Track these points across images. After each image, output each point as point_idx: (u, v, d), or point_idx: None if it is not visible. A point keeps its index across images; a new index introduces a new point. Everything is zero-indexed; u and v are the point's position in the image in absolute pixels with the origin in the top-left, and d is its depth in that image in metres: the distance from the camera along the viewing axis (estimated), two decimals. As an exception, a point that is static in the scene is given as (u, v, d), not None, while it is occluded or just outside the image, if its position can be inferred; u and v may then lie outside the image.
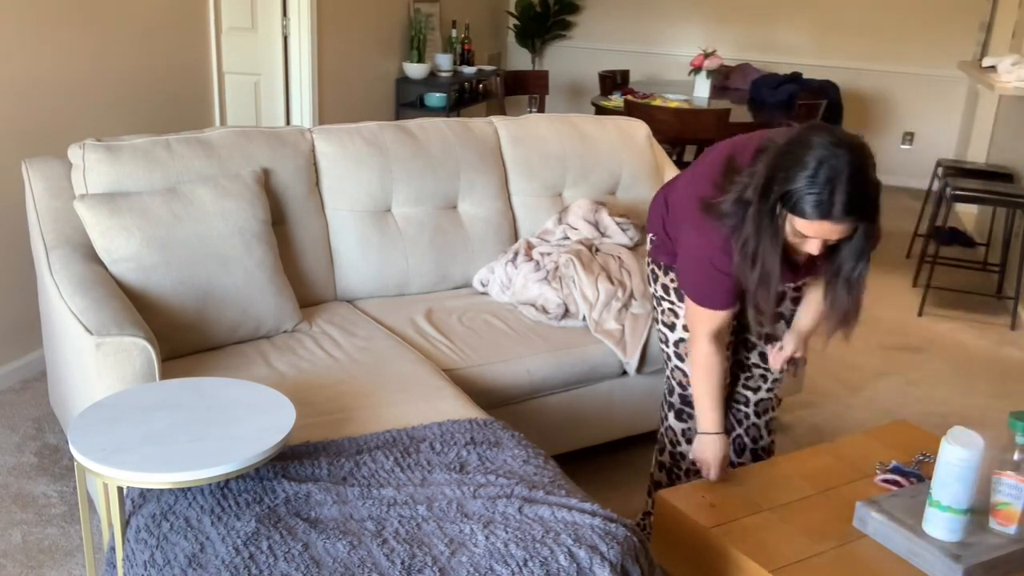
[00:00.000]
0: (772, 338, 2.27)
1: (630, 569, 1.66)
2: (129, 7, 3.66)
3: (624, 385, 2.82)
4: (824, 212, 1.71)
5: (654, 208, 2.31)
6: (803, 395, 3.49)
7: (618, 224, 3.14)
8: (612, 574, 1.61)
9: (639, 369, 2.76)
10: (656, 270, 2.32)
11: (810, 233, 1.76)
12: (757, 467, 2.24)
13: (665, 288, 2.29)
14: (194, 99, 4.14)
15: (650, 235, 2.34)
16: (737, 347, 2.34)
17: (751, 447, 2.43)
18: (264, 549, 1.60)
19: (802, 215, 1.73)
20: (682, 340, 2.29)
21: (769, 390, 2.38)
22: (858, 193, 1.70)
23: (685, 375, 2.31)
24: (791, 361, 2.26)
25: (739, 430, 2.42)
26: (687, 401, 2.34)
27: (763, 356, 2.33)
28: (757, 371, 2.35)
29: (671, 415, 2.40)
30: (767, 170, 1.77)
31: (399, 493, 1.79)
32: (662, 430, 2.45)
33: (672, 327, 2.30)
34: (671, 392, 2.39)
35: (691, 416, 2.35)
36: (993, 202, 4.36)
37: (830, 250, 1.86)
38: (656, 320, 2.37)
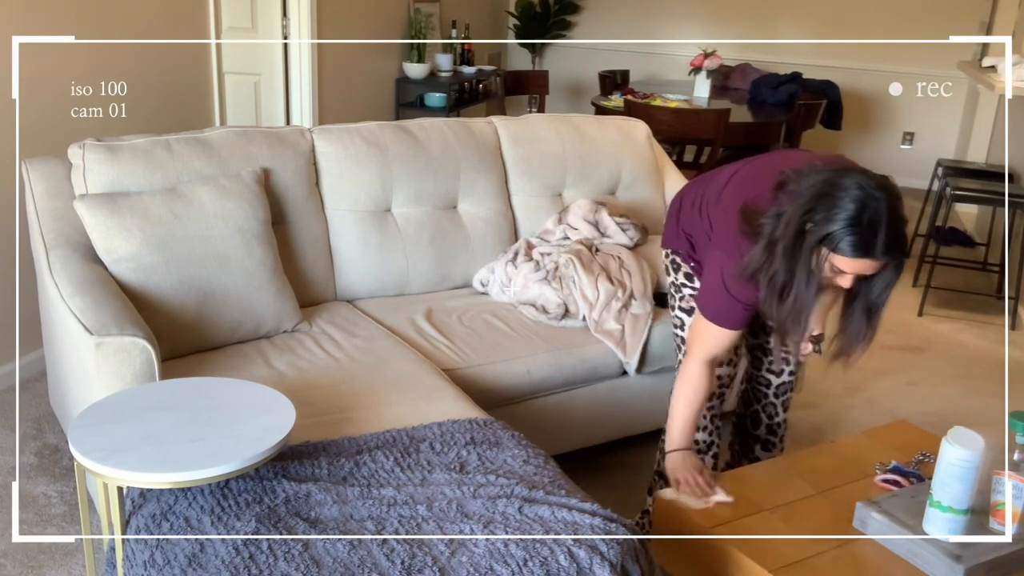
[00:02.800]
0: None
1: (630, 569, 1.66)
2: (129, 7, 3.65)
3: (624, 385, 2.82)
4: (867, 252, 1.80)
5: (671, 212, 2.41)
6: (803, 395, 3.48)
7: (618, 224, 3.14)
8: (612, 574, 1.61)
9: (639, 369, 2.76)
10: (677, 260, 2.37)
11: (848, 270, 1.85)
12: (757, 467, 2.25)
13: (688, 275, 2.35)
14: (194, 99, 4.14)
15: (666, 233, 2.41)
16: (758, 332, 2.40)
17: (767, 422, 2.51)
18: (264, 549, 1.60)
19: (843, 254, 1.81)
20: None
21: (791, 373, 2.46)
22: (897, 233, 1.81)
23: None
24: (813, 339, 2.28)
25: (756, 406, 2.51)
26: None
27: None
28: (779, 355, 2.39)
29: None
30: (801, 211, 1.83)
31: (399, 493, 1.79)
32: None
33: (691, 311, 2.34)
34: None
35: None
36: (993, 202, 4.35)
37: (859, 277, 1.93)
38: (672, 308, 2.43)
